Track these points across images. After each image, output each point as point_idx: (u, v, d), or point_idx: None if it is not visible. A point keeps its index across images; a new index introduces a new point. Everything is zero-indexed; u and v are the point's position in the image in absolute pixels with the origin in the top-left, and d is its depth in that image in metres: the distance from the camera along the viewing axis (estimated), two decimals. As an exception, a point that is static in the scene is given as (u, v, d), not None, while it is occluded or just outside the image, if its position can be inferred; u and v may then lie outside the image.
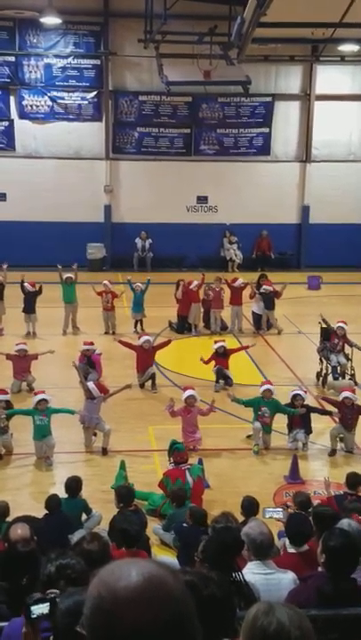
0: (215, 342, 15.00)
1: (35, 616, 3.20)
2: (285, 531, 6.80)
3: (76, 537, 8.17)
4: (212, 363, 14.60)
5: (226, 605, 2.98)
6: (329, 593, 4.36)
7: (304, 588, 4.70)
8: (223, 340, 15.23)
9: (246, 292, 18.75)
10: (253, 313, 18.94)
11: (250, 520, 6.92)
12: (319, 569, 4.82)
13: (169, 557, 8.02)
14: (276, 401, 12.01)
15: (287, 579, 5.25)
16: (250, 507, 7.84)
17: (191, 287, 18.34)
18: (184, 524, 8.17)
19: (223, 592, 3.06)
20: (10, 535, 5.69)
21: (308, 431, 11.93)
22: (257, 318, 18.86)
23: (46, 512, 8.26)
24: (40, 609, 3.21)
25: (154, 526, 9.11)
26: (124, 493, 8.63)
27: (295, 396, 11.98)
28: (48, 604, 3.24)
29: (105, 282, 18.43)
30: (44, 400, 11.53)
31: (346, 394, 11.94)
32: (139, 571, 1.50)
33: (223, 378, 14.55)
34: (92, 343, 14.86)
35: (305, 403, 12.04)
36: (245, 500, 7.97)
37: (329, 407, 12.39)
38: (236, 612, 3.20)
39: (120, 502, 8.46)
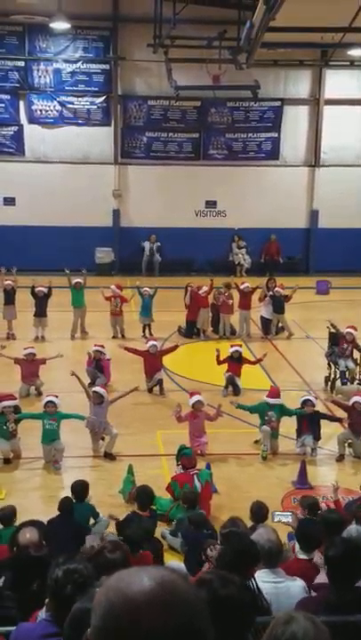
0: (231, 346, 14.96)
1: None
2: (295, 536, 6.74)
3: (87, 542, 8.14)
4: (225, 367, 14.58)
5: (243, 609, 2.96)
6: (334, 604, 4.31)
7: (313, 600, 4.65)
8: (239, 345, 15.18)
9: (255, 296, 18.74)
10: (262, 317, 18.91)
11: (259, 526, 6.89)
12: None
13: (177, 562, 8.00)
14: (281, 405, 11.98)
15: (297, 587, 5.20)
16: (259, 512, 7.79)
17: (200, 292, 18.37)
18: (187, 530, 8.17)
19: (241, 595, 3.03)
20: (19, 539, 5.65)
21: (317, 437, 11.88)
22: (266, 323, 18.83)
23: (57, 514, 8.22)
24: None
25: (162, 530, 9.08)
26: (141, 495, 8.66)
27: (305, 402, 11.94)
28: None
29: (112, 286, 18.46)
30: (52, 402, 11.53)
31: (357, 398, 11.89)
32: (150, 576, 1.50)
33: (232, 385, 14.52)
34: (102, 346, 14.90)
35: (315, 409, 11.99)
36: (255, 505, 7.93)
37: (339, 411, 12.36)
38: (254, 618, 3.17)
39: (136, 504, 8.53)
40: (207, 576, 3.02)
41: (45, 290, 17.75)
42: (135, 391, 12.47)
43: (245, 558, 4.66)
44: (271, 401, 11.93)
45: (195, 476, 9.88)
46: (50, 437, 11.41)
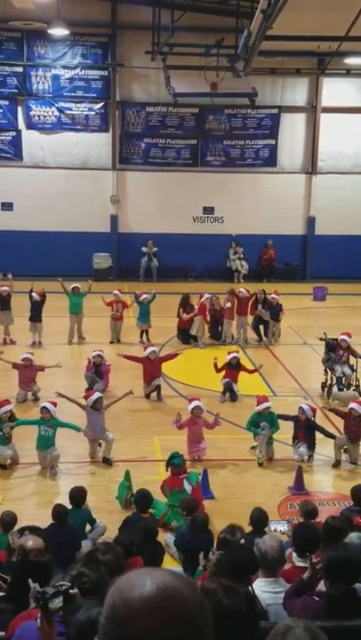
0: (229, 353, 14.99)
1: (54, 609, 3.24)
2: (293, 541, 6.72)
3: (83, 548, 8.14)
4: (222, 373, 14.61)
5: (246, 620, 2.97)
6: (331, 608, 4.33)
7: (315, 604, 4.66)
8: (237, 352, 15.20)
9: (252, 303, 18.76)
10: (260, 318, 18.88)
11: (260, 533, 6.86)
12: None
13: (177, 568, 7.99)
14: (272, 414, 12.03)
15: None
16: (258, 519, 7.76)
17: (202, 300, 18.43)
18: (183, 535, 8.17)
19: (245, 606, 3.04)
20: (22, 546, 5.64)
21: (311, 446, 11.88)
22: (264, 324, 18.77)
23: (52, 522, 8.21)
24: (57, 603, 3.26)
25: (165, 536, 9.06)
26: (140, 499, 8.69)
27: (298, 409, 12.01)
28: (62, 597, 3.29)
29: (115, 292, 18.50)
30: (45, 408, 11.52)
31: (353, 405, 11.92)
32: (154, 581, 1.51)
33: (230, 392, 14.56)
34: (101, 351, 14.92)
35: (313, 420, 11.97)
36: (255, 512, 7.88)
37: (335, 418, 12.38)
38: (256, 629, 3.19)
39: (135, 507, 8.55)
40: (211, 585, 3.03)
41: (39, 298, 17.70)
42: (129, 395, 12.45)
43: (242, 568, 4.67)
44: (261, 407, 11.98)
45: (184, 480, 9.94)
46: (45, 444, 11.38)
